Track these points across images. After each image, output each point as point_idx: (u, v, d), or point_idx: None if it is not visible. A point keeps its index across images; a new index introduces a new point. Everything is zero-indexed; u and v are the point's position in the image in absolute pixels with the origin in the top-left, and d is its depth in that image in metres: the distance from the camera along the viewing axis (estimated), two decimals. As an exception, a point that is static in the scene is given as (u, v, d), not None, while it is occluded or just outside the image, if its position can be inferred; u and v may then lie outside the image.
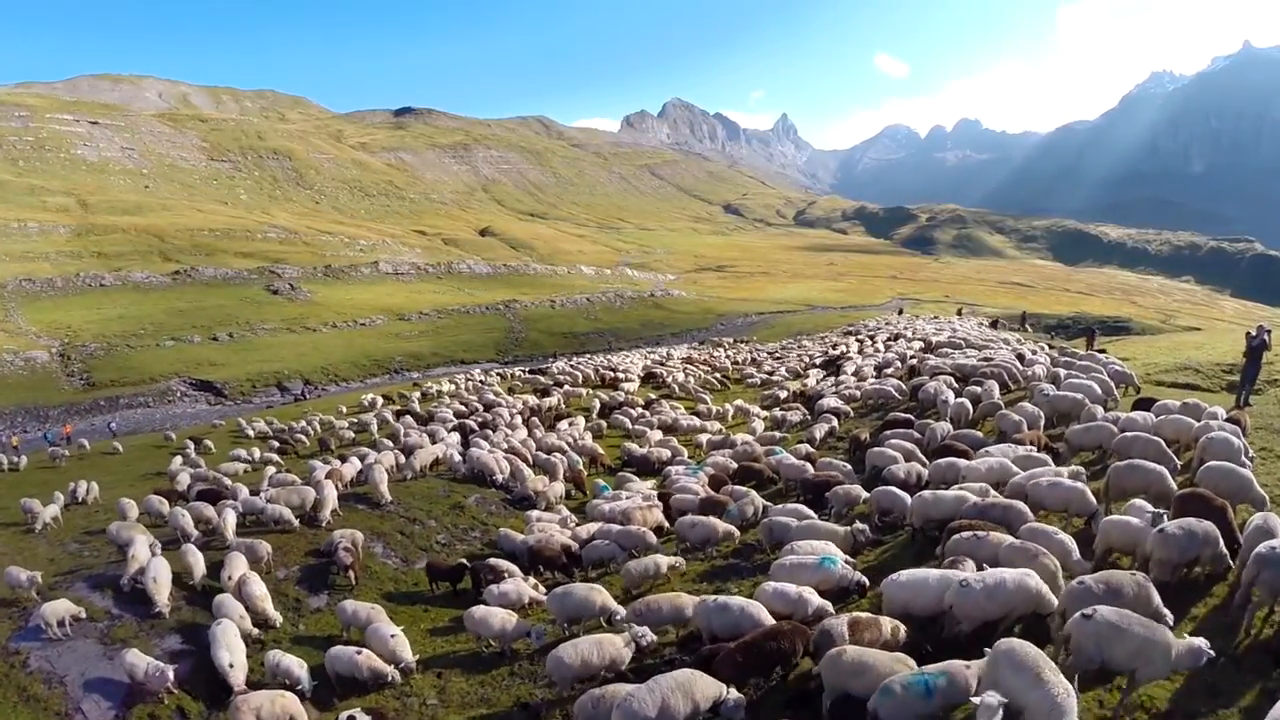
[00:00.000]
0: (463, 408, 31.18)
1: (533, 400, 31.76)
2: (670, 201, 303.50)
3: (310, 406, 44.17)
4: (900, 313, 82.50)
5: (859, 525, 12.14)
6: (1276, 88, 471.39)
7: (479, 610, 10.72)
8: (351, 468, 19.09)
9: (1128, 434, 13.04)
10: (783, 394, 29.95)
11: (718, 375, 39.06)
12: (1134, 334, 68.23)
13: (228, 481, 22.82)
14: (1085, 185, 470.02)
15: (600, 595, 10.41)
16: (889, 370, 28.61)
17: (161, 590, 12.00)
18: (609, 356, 56.41)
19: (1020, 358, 24.72)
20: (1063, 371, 20.52)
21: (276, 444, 30.30)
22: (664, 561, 12.21)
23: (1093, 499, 10.82)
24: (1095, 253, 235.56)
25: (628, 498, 16.37)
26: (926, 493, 11.95)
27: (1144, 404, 16.24)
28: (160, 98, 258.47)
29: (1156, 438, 12.77)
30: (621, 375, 38.46)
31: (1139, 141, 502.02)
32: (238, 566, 12.66)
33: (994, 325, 58.55)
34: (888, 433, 17.91)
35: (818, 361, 38.14)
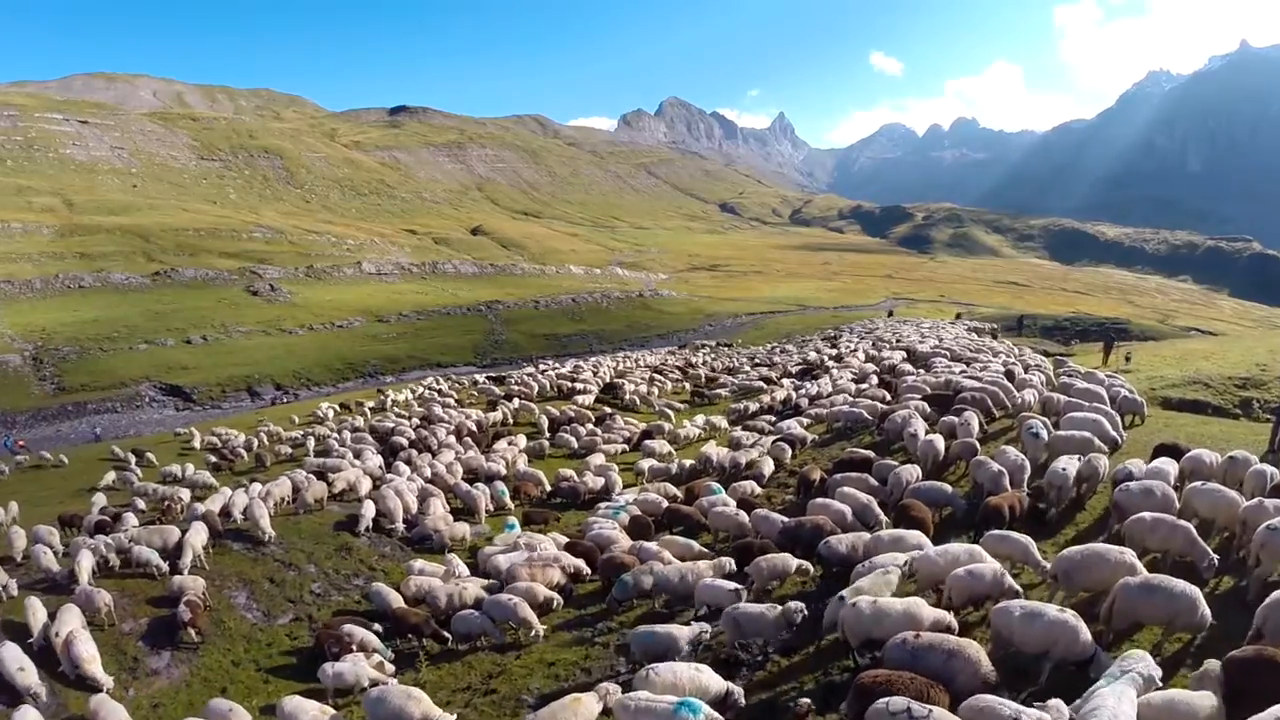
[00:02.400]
0: (404, 423, 28.79)
1: (477, 414, 29.39)
2: (666, 200, 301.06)
3: (266, 415, 42.44)
4: (890, 314, 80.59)
5: (792, 604, 9.63)
6: (1274, 87, 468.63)
7: (289, 703, 8.91)
8: (243, 498, 16.98)
9: (1144, 515, 9.91)
10: (753, 407, 27.88)
11: (687, 385, 37.10)
12: (1133, 338, 66.31)
13: (142, 506, 21.23)
14: (1082, 184, 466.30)
15: (419, 705, 8.41)
16: (865, 386, 25.98)
17: (29, 676, 10.21)
18: (581, 362, 54.34)
19: (1010, 375, 21.86)
20: (1061, 398, 17.78)
21: (213, 459, 28.49)
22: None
23: (1088, 638, 7.62)
24: (1092, 252, 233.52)
25: (529, 547, 13.77)
26: (864, 603, 8.73)
27: (1167, 453, 12.80)
28: (155, 97, 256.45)
29: (1184, 523, 9.76)
30: (579, 386, 35.76)
31: (1136, 140, 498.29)
32: (68, 621, 11.06)
33: (993, 336, 53.88)
34: (839, 476, 15.04)
35: (793, 371, 35.65)
